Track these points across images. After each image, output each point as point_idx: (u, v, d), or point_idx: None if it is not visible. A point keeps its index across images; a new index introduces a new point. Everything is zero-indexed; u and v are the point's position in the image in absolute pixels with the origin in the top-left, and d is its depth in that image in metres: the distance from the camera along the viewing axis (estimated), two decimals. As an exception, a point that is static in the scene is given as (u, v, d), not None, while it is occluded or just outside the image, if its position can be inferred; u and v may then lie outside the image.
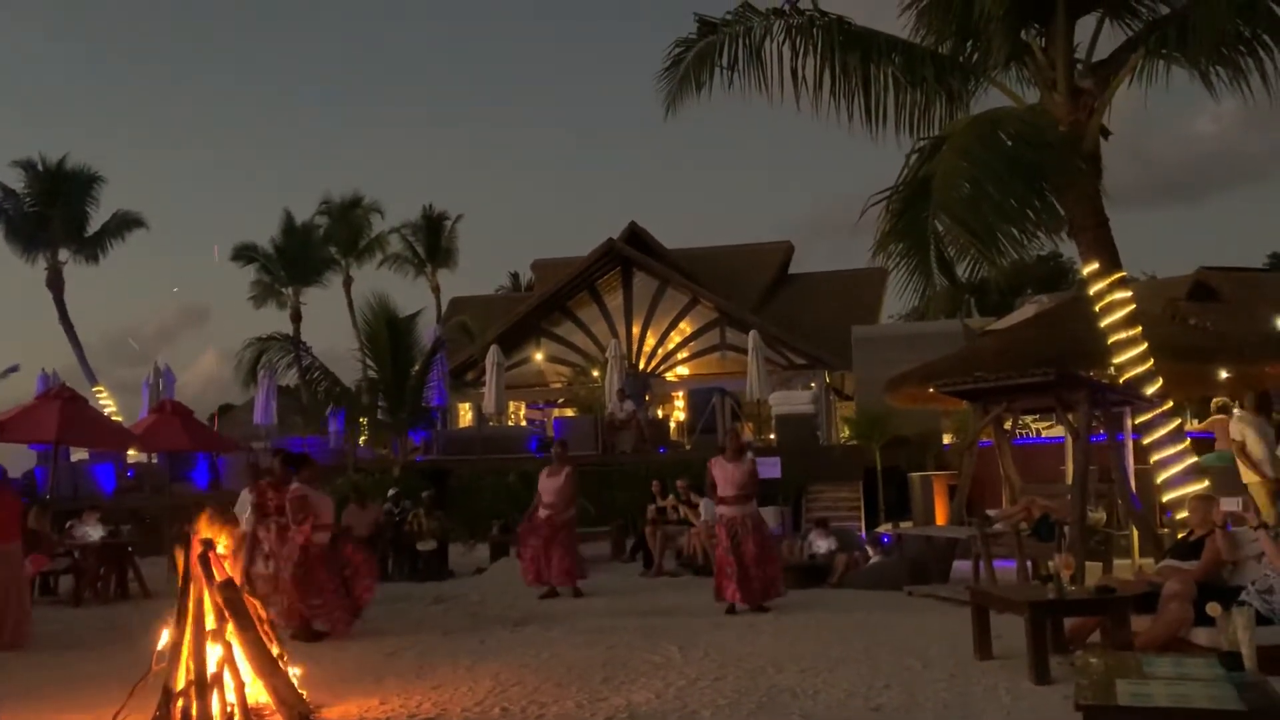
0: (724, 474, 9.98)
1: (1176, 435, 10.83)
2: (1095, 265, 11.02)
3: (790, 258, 32.56)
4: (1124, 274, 11.15)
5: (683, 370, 28.41)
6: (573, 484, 11.64)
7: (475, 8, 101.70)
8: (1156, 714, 3.87)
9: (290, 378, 22.40)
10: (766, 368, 22.25)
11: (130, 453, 21.06)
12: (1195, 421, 14.38)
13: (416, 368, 18.99)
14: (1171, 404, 11.02)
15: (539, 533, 11.47)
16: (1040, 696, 5.92)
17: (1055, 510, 10.02)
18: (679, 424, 25.11)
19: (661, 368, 28.41)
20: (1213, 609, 5.05)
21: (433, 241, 37.99)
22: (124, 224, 32.81)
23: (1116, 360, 11.03)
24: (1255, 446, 10.62)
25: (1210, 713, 3.82)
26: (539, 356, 29.18)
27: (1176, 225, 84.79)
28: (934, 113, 11.49)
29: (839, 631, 8.39)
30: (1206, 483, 10.38)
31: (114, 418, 23.97)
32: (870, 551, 12.52)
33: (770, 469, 15.44)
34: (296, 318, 35.23)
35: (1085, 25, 11.30)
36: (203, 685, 5.45)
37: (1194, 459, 10.78)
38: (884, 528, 14.99)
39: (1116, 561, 10.18)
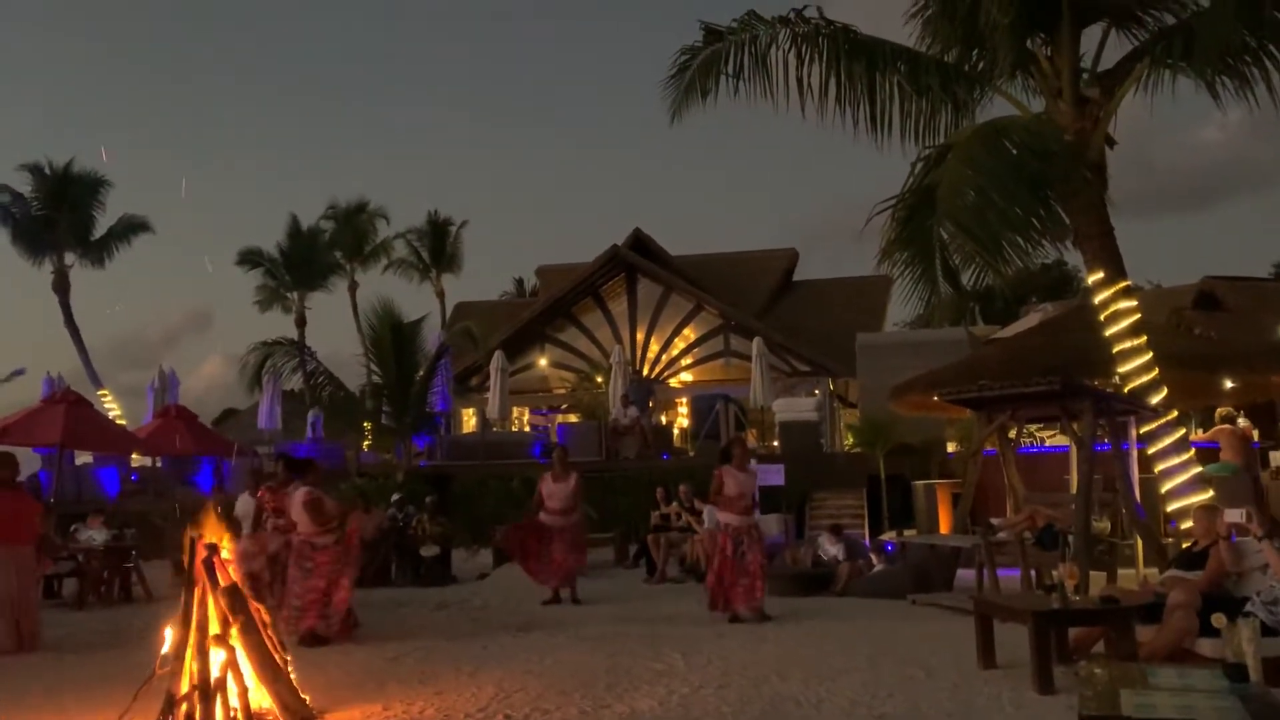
0: (736, 483, 9.87)
1: (1181, 445, 10.83)
2: (1100, 274, 11.02)
3: (795, 264, 32.55)
4: (1129, 283, 11.16)
5: (686, 376, 28.39)
6: (581, 490, 11.66)
7: (482, 12, 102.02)
8: (1161, 725, 3.85)
9: (295, 382, 22.48)
10: (770, 374, 22.25)
11: (134, 457, 21.11)
12: (1200, 431, 14.34)
13: (421, 373, 19.01)
14: (1176, 413, 11.02)
15: (540, 534, 11.41)
16: (1044, 706, 5.90)
17: (1059, 519, 10.00)
18: (682, 430, 25.07)
19: (665, 374, 28.39)
20: (1218, 620, 5.04)
21: (438, 247, 38.09)
22: (130, 228, 32.93)
23: (1121, 369, 11.02)
24: None
25: (1215, 724, 3.80)
26: (543, 362, 29.19)
27: (1181, 234, 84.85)
28: (939, 121, 11.50)
29: (842, 640, 8.36)
30: (1211, 493, 10.36)
31: (119, 422, 24.06)
32: (875, 559, 12.50)
33: (774, 476, 15.43)
34: (301, 322, 35.35)
35: (1091, 35, 11.34)
36: (206, 690, 5.45)
37: (1198, 469, 10.77)
38: (888, 536, 14.97)
39: (1121, 571, 10.14)
